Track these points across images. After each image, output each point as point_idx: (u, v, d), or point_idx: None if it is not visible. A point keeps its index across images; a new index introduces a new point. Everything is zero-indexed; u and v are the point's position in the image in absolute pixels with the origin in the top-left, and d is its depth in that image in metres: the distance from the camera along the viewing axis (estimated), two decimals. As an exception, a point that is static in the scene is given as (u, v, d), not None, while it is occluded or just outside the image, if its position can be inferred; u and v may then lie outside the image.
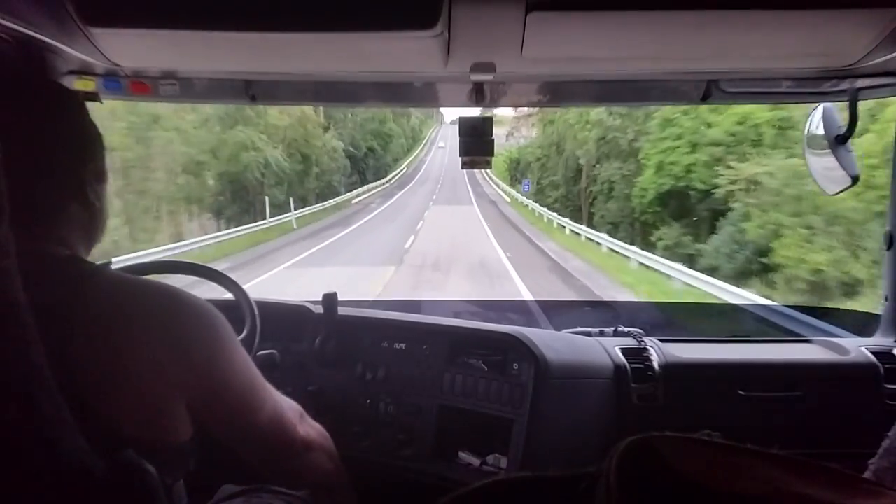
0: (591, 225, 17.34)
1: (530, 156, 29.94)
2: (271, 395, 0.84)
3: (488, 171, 36.09)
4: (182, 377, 0.70)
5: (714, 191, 12.73)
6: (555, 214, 18.92)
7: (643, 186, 15.75)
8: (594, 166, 20.00)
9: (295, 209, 19.14)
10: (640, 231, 16.23)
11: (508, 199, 29.24)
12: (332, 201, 24.00)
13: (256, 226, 16.19)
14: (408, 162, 50.68)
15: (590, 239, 14.84)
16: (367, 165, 34.99)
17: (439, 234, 16.51)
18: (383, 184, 35.62)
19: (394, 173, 41.77)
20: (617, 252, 12.80)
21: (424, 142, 66.62)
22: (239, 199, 18.94)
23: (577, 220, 18.23)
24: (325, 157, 25.92)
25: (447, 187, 35.93)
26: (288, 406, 0.88)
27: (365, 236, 16.38)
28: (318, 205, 22.36)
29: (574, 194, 21.95)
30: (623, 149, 18.05)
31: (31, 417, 0.57)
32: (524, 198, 25.96)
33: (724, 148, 13.04)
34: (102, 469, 0.61)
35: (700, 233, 13.33)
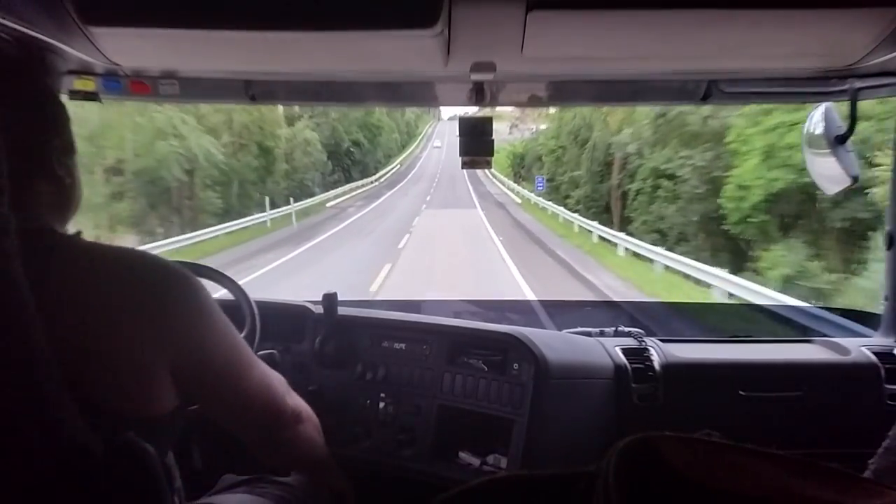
0: (625, 231, 12.81)
1: (542, 149, 25.54)
2: (258, 362, 0.83)
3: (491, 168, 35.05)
4: (163, 343, 0.69)
5: (867, 190, 6.78)
6: (595, 224, 13.69)
7: (743, 183, 10.11)
8: (632, 158, 15.10)
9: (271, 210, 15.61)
10: (726, 247, 10.86)
11: (518, 200, 24.59)
12: (292, 207, 17.34)
13: (172, 242, 11.25)
14: (401, 158, 46.53)
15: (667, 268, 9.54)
16: (351, 161, 30.12)
17: (430, 258, 11.26)
18: (370, 183, 31.19)
19: (384, 171, 37.60)
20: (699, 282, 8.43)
21: (420, 138, 61.48)
22: (161, 204, 13.48)
23: (606, 223, 14.21)
24: (297, 151, 21.84)
25: (444, 186, 31.78)
26: (274, 376, 0.87)
27: (317, 264, 10.68)
28: (270, 212, 15.97)
29: (602, 193, 17.70)
30: (692, 130, 12.23)
31: (33, 399, 0.57)
32: (537, 198, 21.54)
33: (876, 123, 5.95)
34: (102, 448, 0.61)
35: (832, 254, 8.56)
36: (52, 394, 0.58)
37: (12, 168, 0.67)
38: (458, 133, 1.15)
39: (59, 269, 0.66)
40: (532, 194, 22.91)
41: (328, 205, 21.21)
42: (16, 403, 0.56)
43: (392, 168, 40.46)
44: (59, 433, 0.59)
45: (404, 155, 49.09)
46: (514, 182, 29.90)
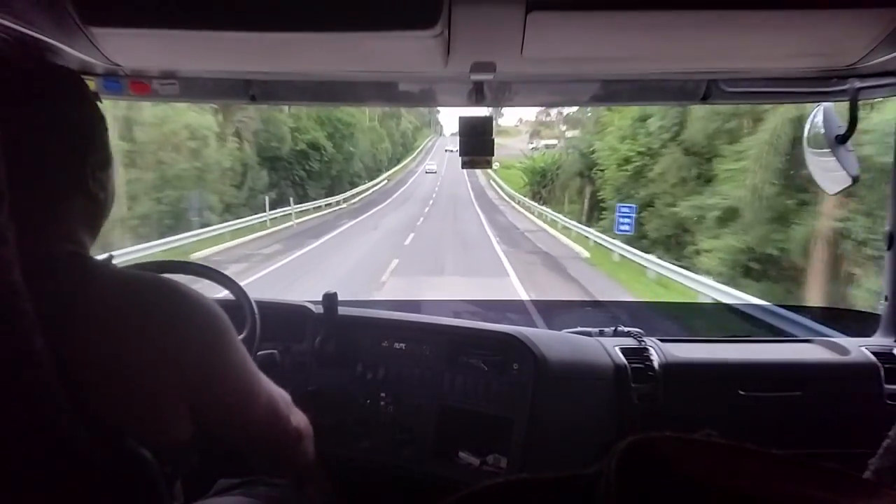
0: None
1: (603, 157, 15.32)
2: (266, 385, 0.85)
3: (503, 185, 29.16)
4: (183, 372, 0.71)
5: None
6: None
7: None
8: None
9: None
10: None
11: (586, 254, 12.53)
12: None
13: None
14: (390, 174, 35.61)
15: None
16: (307, 174, 19.57)
17: None
18: (333, 206, 20.02)
19: (359, 189, 25.14)
20: None
21: (417, 152, 49.68)
22: None
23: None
24: (167, 147, 12.38)
25: (440, 214, 20.23)
26: (279, 395, 0.88)
27: None
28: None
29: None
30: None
31: (32, 409, 0.57)
32: (623, 247, 11.24)
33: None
34: (105, 462, 0.61)
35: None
36: (52, 404, 0.58)
37: (47, 186, 0.68)
38: (458, 134, 1.14)
39: (89, 296, 0.67)
40: (586, 230, 13.99)
41: (215, 254, 11.39)
42: (14, 412, 0.56)
43: (376, 185, 29.35)
44: (60, 448, 0.59)
45: (394, 169, 38.60)
46: (533, 202, 21.90)
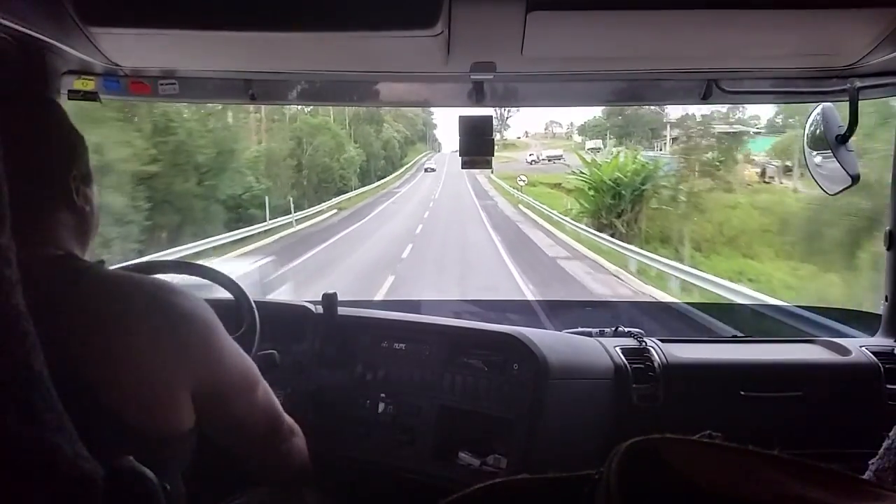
0: None
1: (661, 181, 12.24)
2: (262, 379, 0.87)
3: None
4: (182, 365, 0.72)
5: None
6: None
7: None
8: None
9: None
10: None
11: None
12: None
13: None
14: (345, 199, 19.29)
15: None
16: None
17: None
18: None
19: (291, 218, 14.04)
20: None
21: (404, 169, 32.32)
22: None
23: None
24: None
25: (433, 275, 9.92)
26: (270, 390, 0.91)
27: None
28: None
29: None
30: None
31: (31, 425, 0.57)
32: None
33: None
34: (102, 475, 0.61)
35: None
36: (52, 421, 0.58)
37: (33, 198, 0.70)
38: (458, 133, 1.11)
39: (81, 297, 0.68)
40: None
41: None
42: (14, 430, 0.56)
43: (325, 215, 16.45)
44: (57, 459, 0.59)
45: (358, 192, 21.47)
46: (598, 230, 12.62)
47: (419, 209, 17.66)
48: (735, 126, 14.92)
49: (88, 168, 0.80)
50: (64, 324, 0.63)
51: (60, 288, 0.66)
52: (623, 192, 13.24)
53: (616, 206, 13.21)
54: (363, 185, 23.22)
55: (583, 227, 12.92)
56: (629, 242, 11.33)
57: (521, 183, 20.77)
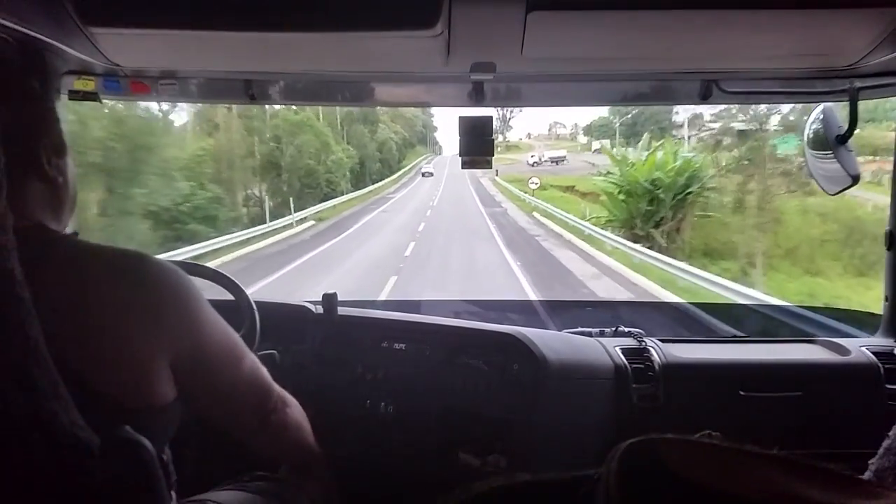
0: None
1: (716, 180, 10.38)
2: (248, 351, 0.87)
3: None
4: (161, 336, 0.72)
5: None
6: None
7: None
8: None
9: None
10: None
11: None
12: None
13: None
14: (326, 207, 17.33)
15: None
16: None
17: None
18: None
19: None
20: None
21: (401, 173, 32.15)
22: None
23: None
24: None
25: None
26: (260, 363, 0.90)
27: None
28: None
29: None
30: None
31: (29, 391, 0.57)
32: None
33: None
34: (98, 444, 0.62)
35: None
36: (48, 388, 0.59)
37: (3, 167, 0.68)
38: (458, 133, 1.11)
39: (55, 266, 0.67)
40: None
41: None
42: (11, 398, 0.56)
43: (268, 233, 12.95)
44: (54, 427, 0.59)
45: (346, 198, 19.91)
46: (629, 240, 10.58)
47: (413, 220, 14.94)
48: (763, 124, 11.91)
49: (62, 139, 0.79)
50: (34, 292, 0.61)
51: (30, 257, 0.64)
52: (662, 195, 10.91)
53: (654, 214, 10.88)
54: (357, 190, 21.02)
55: (638, 248, 9.68)
56: (671, 257, 9.22)
57: (533, 186, 18.82)
